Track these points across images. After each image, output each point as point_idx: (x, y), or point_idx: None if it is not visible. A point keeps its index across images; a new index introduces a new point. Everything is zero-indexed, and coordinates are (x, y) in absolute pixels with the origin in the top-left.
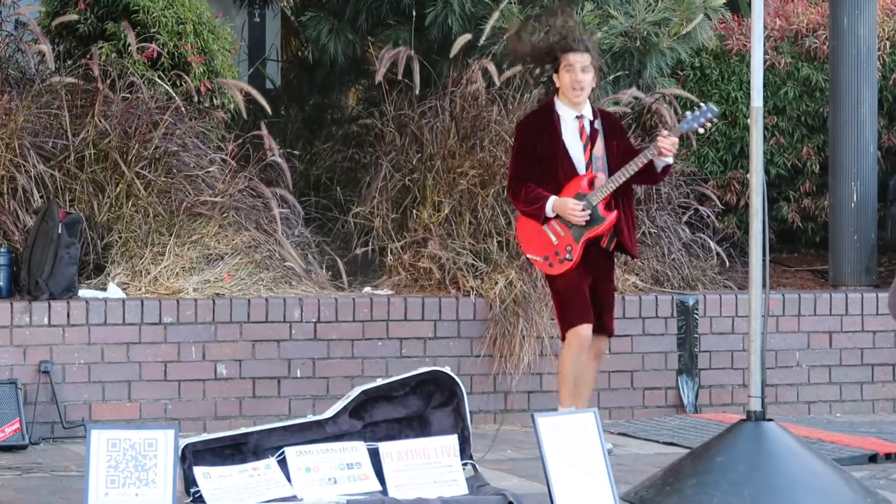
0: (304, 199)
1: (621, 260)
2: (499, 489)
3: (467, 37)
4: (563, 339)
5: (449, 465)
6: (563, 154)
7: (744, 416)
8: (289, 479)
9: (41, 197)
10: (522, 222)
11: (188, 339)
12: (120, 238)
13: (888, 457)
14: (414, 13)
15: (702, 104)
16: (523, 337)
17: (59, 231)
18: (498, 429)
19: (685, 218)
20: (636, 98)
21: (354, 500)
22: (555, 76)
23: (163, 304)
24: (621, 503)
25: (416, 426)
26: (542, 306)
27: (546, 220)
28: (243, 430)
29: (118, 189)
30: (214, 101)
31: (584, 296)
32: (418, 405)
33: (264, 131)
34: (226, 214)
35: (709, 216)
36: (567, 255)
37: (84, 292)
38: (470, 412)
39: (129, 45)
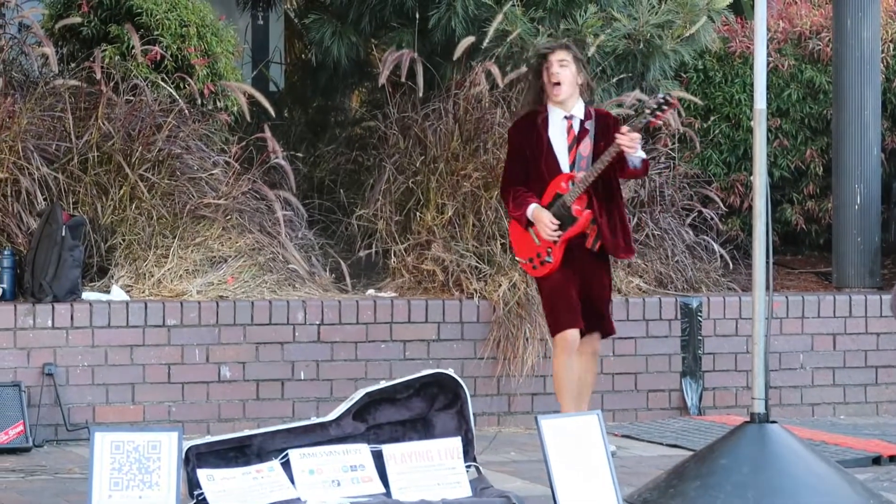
0: (307, 202)
1: (625, 262)
2: (502, 491)
3: (471, 39)
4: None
5: (452, 467)
6: (548, 153)
7: (747, 419)
8: (292, 482)
9: (45, 199)
10: (513, 225)
11: (192, 342)
12: (123, 240)
13: (892, 459)
14: (417, 16)
15: (660, 95)
16: (527, 339)
17: (63, 234)
18: (497, 432)
19: (689, 220)
20: (639, 100)
21: (358, 503)
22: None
23: (166, 306)
24: None
25: (420, 428)
26: None
27: (530, 223)
28: (247, 432)
29: (122, 192)
30: (218, 103)
31: (570, 299)
32: (422, 407)
33: (268, 134)
34: (229, 217)
35: (712, 218)
36: (547, 258)
37: (88, 295)
38: (473, 414)
39: (132, 47)
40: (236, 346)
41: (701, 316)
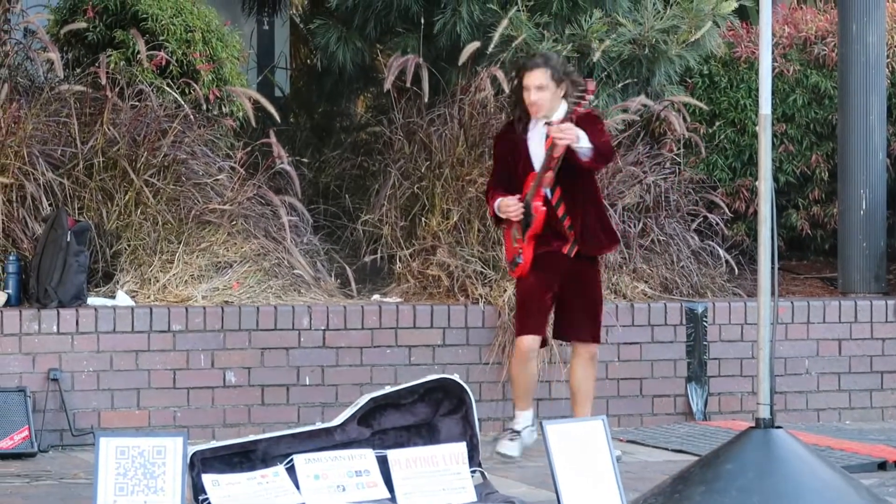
0: (312, 207)
1: (630, 267)
2: (508, 496)
3: (476, 44)
4: None
5: (458, 472)
6: (525, 157)
7: (753, 424)
8: (297, 487)
9: (50, 205)
10: (505, 231)
11: (197, 347)
12: (129, 246)
13: None
14: (422, 21)
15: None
16: None
17: (68, 239)
18: (495, 437)
19: (694, 225)
20: (645, 106)
21: None
22: None
23: (172, 311)
24: None
25: (425, 434)
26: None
27: (509, 224)
28: (252, 437)
29: (127, 197)
30: (223, 108)
31: (539, 306)
32: (427, 413)
33: (273, 139)
34: (234, 222)
35: (718, 224)
36: (518, 258)
37: (93, 300)
38: (479, 420)
39: (137, 53)
40: (241, 352)
41: (706, 321)
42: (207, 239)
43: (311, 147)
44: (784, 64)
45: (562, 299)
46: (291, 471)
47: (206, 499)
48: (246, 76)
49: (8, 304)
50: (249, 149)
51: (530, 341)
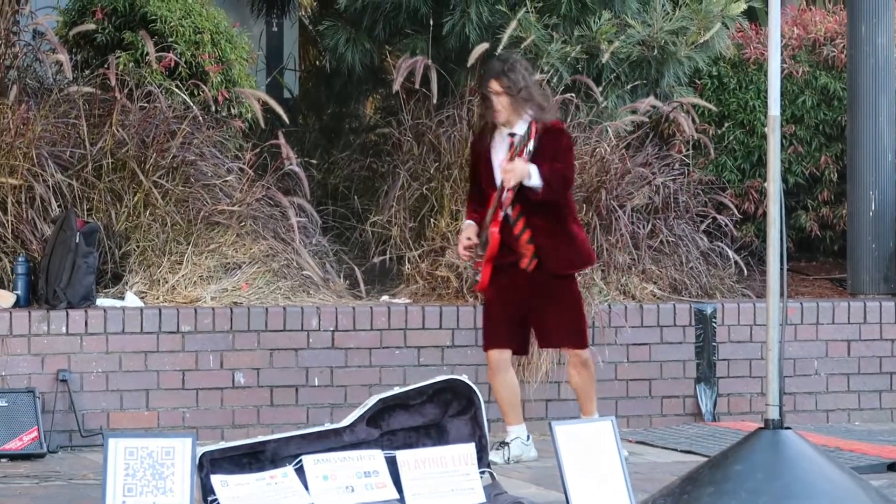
0: (321, 208)
1: (639, 268)
2: (517, 497)
3: (485, 46)
4: None
5: (466, 473)
6: (488, 171)
7: (762, 425)
8: (306, 488)
9: (59, 206)
10: None
11: (206, 348)
12: (138, 247)
13: None
14: (431, 22)
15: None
16: None
17: (77, 240)
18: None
19: (703, 227)
20: (654, 107)
21: None
22: None
23: (180, 312)
24: None
25: (434, 434)
26: None
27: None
28: (261, 438)
29: (136, 198)
30: (232, 110)
31: (501, 319)
32: (436, 413)
33: (282, 140)
34: (243, 223)
35: (727, 225)
36: (477, 276)
37: (102, 301)
38: (487, 420)
39: (146, 54)
40: (250, 353)
41: (715, 322)
42: (216, 240)
43: (319, 148)
44: (793, 65)
45: (535, 311)
46: (300, 471)
47: (215, 499)
48: (255, 78)
49: (17, 305)
50: (258, 150)
51: (496, 354)
